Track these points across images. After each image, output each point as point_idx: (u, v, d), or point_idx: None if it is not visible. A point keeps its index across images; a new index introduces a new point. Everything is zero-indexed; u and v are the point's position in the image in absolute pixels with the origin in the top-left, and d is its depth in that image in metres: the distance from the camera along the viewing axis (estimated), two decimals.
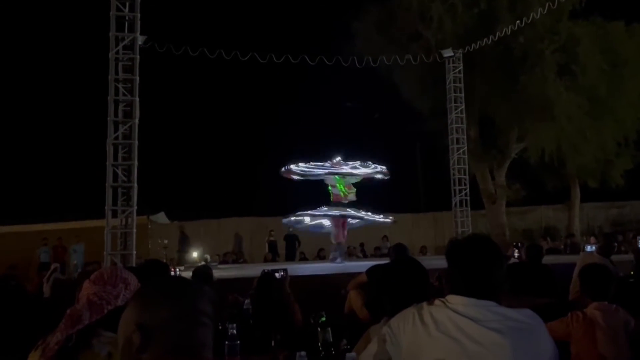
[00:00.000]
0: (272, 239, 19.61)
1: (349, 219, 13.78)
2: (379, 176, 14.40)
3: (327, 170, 13.83)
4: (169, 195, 24.19)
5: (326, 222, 14.29)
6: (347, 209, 13.69)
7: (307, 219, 14.26)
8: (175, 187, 25.57)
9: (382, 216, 14.70)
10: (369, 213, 14.12)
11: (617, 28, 20.61)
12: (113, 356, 2.14)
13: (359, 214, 13.74)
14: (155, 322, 1.47)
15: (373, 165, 14.25)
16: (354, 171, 13.95)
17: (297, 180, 14.23)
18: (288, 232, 18.38)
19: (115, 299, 2.34)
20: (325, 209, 13.80)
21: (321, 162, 14.02)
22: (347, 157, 14.21)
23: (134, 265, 11.03)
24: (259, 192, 25.59)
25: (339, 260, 13.48)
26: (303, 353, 2.17)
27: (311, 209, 14.02)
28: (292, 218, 14.52)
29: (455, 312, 2.09)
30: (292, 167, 13.92)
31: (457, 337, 2.04)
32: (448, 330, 2.06)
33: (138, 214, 13.20)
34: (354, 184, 14.02)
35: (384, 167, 14.37)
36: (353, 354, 2.05)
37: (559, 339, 3.49)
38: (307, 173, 13.91)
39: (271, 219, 21.41)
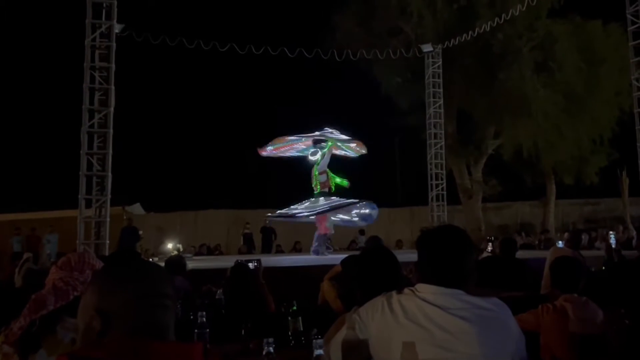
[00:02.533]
0: (247, 231, 19.54)
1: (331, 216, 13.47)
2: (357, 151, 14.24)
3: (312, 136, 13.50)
4: (145, 186, 24.02)
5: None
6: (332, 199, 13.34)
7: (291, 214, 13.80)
8: (152, 178, 25.39)
9: (367, 210, 14.24)
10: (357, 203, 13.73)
11: (594, 27, 20.82)
12: (77, 342, 2.11)
13: (344, 203, 13.39)
14: (115, 306, 1.45)
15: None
16: (341, 136, 13.70)
17: (280, 152, 13.93)
18: (265, 224, 18.33)
19: (81, 285, 2.30)
20: (307, 203, 13.43)
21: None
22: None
23: (106, 255, 10.94)
24: (236, 184, 25.51)
25: (326, 252, 13.26)
26: (271, 339, 2.15)
27: (295, 203, 13.74)
28: (276, 217, 14.09)
29: (423, 301, 2.09)
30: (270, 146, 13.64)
31: (426, 325, 2.04)
32: (417, 319, 2.06)
33: (114, 204, 13.09)
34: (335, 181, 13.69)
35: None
36: (320, 341, 2.04)
37: (529, 330, 3.52)
38: (292, 141, 13.62)
39: (248, 211, 21.36)
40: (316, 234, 13.46)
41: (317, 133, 13.59)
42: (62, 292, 2.27)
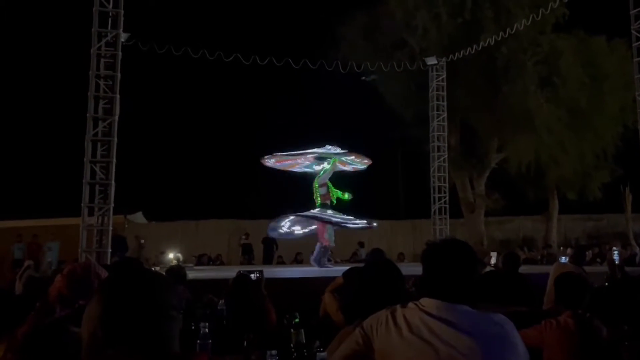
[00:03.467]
0: (246, 242, 19.47)
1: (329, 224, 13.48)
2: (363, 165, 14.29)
3: (317, 153, 13.54)
4: (147, 195, 24.01)
5: (297, 230, 13.99)
6: (328, 213, 13.39)
7: (287, 228, 13.82)
8: (154, 187, 25.39)
9: (365, 222, 14.32)
10: (352, 219, 13.80)
11: (598, 43, 20.85)
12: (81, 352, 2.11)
13: (340, 220, 13.44)
14: (120, 316, 1.44)
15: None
16: (344, 153, 13.74)
17: (284, 166, 13.98)
18: (266, 235, 18.27)
19: (86, 295, 2.30)
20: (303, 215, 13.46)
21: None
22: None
23: (108, 263, 10.92)
24: (238, 194, 25.50)
25: (328, 264, 13.32)
26: (274, 352, 2.14)
27: (292, 215, 13.74)
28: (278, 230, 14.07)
29: (428, 315, 2.08)
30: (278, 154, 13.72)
31: (430, 339, 2.03)
32: (421, 333, 2.05)
33: (115, 213, 13.07)
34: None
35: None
36: (324, 354, 2.03)
37: (532, 346, 3.50)
38: (294, 155, 13.68)
39: (250, 221, 21.34)
40: (318, 244, 13.49)
41: (318, 150, 13.63)
42: (68, 301, 2.27)
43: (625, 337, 4.20)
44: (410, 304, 2.17)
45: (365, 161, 14.42)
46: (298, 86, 22.14)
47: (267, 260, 18.64)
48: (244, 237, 19.57)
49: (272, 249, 18.89)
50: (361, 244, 19.00)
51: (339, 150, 13.74)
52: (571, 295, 3.91)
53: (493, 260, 9.01)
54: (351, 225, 13.83)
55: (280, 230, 13.90)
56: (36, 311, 2.22)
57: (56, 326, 2.20)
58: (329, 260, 13.54)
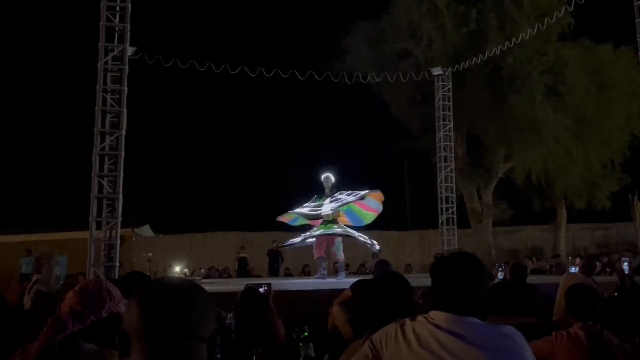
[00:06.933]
0: (242, 255, 19.39)
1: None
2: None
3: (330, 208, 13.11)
4: (154, 208, 24.07)
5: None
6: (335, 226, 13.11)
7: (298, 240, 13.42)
8: (161, 200, 25.47)
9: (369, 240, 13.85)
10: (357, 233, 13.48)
11: (604, 51, 20.80)
12: None
13: (348, 233, 13.16)
14: (137, 326, 1.45)
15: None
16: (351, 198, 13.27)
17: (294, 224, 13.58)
18: (272, 247, 18.22)
19: (99, 310, 2.31)
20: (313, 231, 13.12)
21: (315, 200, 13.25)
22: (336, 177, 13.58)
23: (117, 277, 10.91)
24: (245, 206, 25.54)
25: (318, 275, 13.17)
26: None
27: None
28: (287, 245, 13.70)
29: (437, 328, 2.07)
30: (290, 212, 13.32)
31: (439, 353, 2.02)
32: (430, 346, 2.04)
33: (123, 226, 13.08)
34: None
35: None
36: None
37: (542, 358, 3.49)
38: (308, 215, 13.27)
39: (257, 233, 21.33)
40: (322, 259, 13.14)
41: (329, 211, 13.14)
42: (80, 316, 2.28)
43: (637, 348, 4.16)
44: (420, 317, 2.16)
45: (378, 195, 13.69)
46: (304, 98, 22.22)
47: (273, 272, 18.59)
48: (241, 250, 19.47)
49: (277, 261, 18.85)
50: (373, 255, 18.91)
51: (351, 197, 13.22)
52: (582, 307, 3.89)
53: (500, 270, 8.92)
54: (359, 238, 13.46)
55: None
56: (48, 326, 2.23)
57: (69, 342, 2.21)
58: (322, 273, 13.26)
